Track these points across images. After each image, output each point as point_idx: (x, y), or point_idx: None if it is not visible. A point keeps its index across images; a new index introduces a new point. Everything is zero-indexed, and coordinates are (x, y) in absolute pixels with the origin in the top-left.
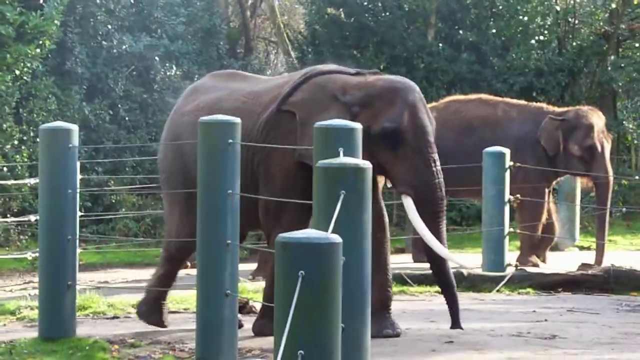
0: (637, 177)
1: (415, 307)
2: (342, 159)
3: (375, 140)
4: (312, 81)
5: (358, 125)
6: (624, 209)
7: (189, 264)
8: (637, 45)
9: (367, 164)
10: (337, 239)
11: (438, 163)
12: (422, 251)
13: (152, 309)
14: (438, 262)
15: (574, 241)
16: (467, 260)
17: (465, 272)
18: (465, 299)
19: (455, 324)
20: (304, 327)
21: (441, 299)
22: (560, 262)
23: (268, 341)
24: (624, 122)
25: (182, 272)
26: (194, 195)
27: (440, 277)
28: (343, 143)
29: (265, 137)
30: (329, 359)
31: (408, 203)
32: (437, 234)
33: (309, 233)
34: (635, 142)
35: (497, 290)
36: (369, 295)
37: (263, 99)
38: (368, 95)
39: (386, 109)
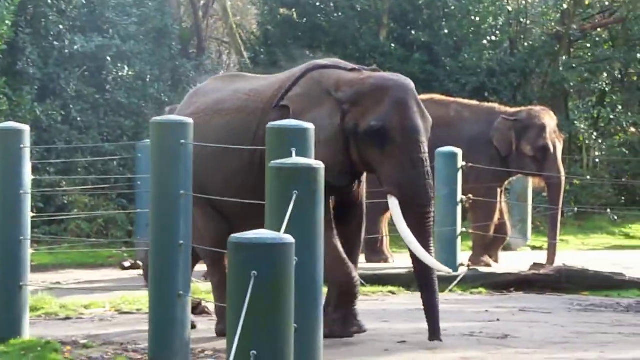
0: (588, 177)
1: (369, 307)
2: (295, 159)
3: (363, 139)
4: (309, 75)
5: (310, 126)
6: (575, 209)
7: (141, 264)
8: (588, 45)
9: (319, 164)
10: (289, 239)
11: (428, 163)
12: (375, 252)
13: None
14: (422, 268)
15: (526, 241)
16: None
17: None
18: (417, 298)
19: (434, 334)
20: (256, 327)
21: (394, 299)
22: (512, 261)
23: (221, 342)
24: (575, 122)
25: (134, 273)
26: (211, 202)
27: (422, 283)
28: (296, 143)
29: None
30: (281, 359)
31: (393, 203)
32: (421, 238)
33: (262, 233)
34: (587, 142)
35: (450, 290)
36: (322, 295)
37: (265, 94)
38: (358, 92)
39: (374, 107)
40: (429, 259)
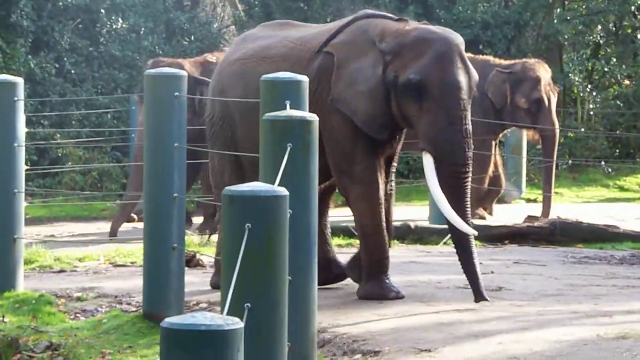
0: (582, 130)
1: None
2: (289, 112)
3: (402, 92)
4: (355, 24)
5: (304, 78)
6: (570, 162)
7: (135, 217)
8: None
9: (314, 117)
10: (283, 191)
11: (468, 121)
12: None
13: None
14: (457, 233)
15: (520, 193)
16: (415, 213)
17: (412, 224)
18: (411, 251)
19: (479, 295)
20: (250, 280)
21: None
22: (506, 214)
23: (215, 294)
24: (570, 74)
25: (128, 226)
26: (244, 158)
27: (458, 244)
28: (290, 96)
29: (317, 86)
30: (275, 312)
31: (427, 160)
32: (455, 198)
33: (255, 186)
34: (581, 94)
35: (444, 243)
36: (316, 247)
37: (311, 43)
38: (400, 44)
39: (414, 60)
40: (456, 219)
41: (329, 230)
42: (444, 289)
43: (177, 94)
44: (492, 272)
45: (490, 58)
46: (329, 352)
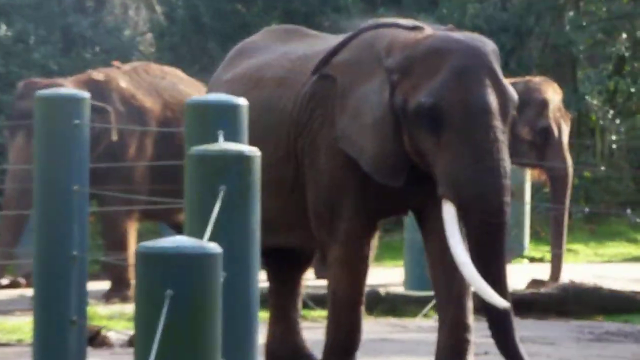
0: (603, 168)
1: (319, 337)
2: (223, 145)
3: (414, 121)
4: (362, 37)
5: (243, 102)
6: (586, 209)
7: (23, 281)
8: None
9: (254, 151)
10: (215, 248)
11: (502, 155)
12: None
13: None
14: (493, 309)
15: (522, 250)
16: (387, 276)
17: (383, 291)
18: (383, 326)
19: None
20: None
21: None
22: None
23: None
24: (586, 96)
25: (14, 293)
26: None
27: (494, 326)
28: (224, 124)
29: (310, 116)
30: None
31: (447, 211)
32: (485, 262)
33: (179, 241)
34: (601, 122)
35: (424, 315)
36: (257, 319)
37: (312, 63)
38: (409, 58)
39: (427, 78)
40: (485, 289)
41: (299, 313)
42: None
43: (77, 121)
44: (486, 353)
45: None
46: None
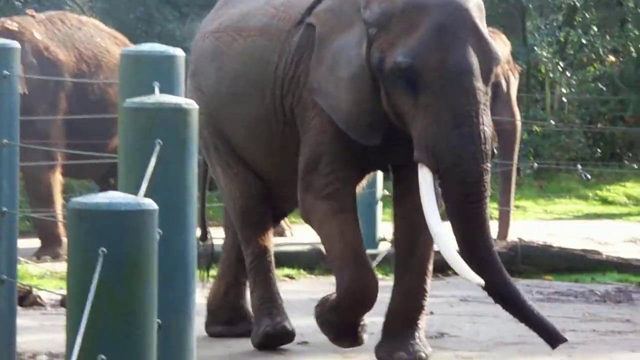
0: (552, 123)
1: None
2: (158, 97)
3: (390, 81)
4: None
5: (179, 52)
6: (535, 165)
7: None
8: None
9: (192, 104)
10: (150, 205)
11: (483, 120)
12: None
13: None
14: (492, 280)
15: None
16: None
17: (324, 250)
18: (323, 285)
19: (554, 339)
20: (106, 324)
21: (292, 286)
22: (451, 235)
23: (58, 343)
24: (535, 48)
25: None
26: (235, 154)
27: (502, 293)
28: (160, 75)
29: (295, 71)
30: None
31: (423, 178)
32: (465, 233)
33: (113, 197)
34: (551, 75)
35: None
36: (194, 278)
37: (296, 9)
38: (387, 12)
39: (405, 36)
40: (460, 265)
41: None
42: (368, 334)
43: (6, 72)
44: (432, 313)
45: None
46: None
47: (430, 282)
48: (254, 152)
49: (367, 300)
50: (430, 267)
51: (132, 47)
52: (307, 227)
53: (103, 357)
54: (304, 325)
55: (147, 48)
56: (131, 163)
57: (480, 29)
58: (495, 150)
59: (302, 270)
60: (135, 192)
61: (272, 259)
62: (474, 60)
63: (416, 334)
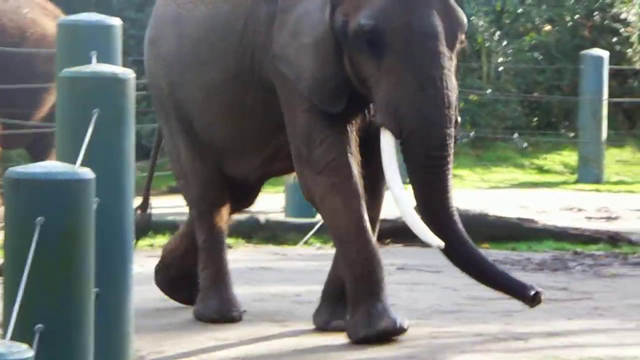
0: (489, 92)
1: None
2: (95, 67)
3: (354, 44)
4: None
5: (115, 21)
6: (471, 134)
7: None
8: None
9: (128, 73)
10: (87, 174)
11: (448, 85)
12: None
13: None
14: (454, 236)
15: (406, 178)
16: (266, 203)
17: (262, 218)
18: (262, 254)
19: (530, 299)
20: (43, 293)
21: (231, 255)
22: (388, 204)
23: None
24: (471, 17)
25: None
26: (197, 125)
27: (465, 264)
28: (96, 45)
29: (267, 38)
30: (76, 335)
31: (385, 142)
32: (428, 198)
33: (50, 166)
34: (487, 44)
35: (305, 243)
36: (132, 247)
37: None
38: None
39: None
40: (420, 227)
41: None
42: (305, 303)
43: None
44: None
45: None
46: None
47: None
48: (211, 121)
49: (378, 268)
50: (375, 233)
51: (69, 17)
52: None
53: (40, 326)
54: (241, 294)
55: (84, 17)
56: (68, 132)
57: None
58: (459, 117)
59: (240, 239)
60: (73, 161)
61: (225, 239)
62: (439, 24)
63: None
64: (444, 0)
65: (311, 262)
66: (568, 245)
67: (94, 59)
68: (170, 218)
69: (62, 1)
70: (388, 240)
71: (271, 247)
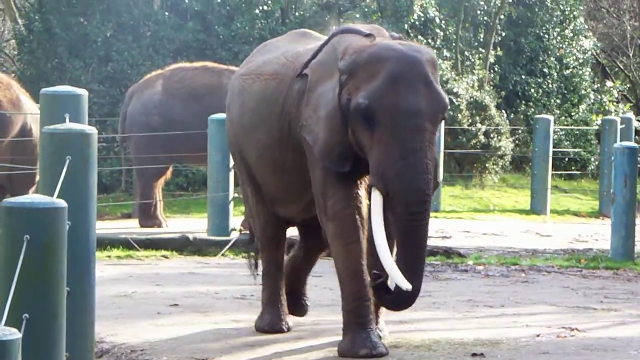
0: None
1: (142, 271)
2: (68, 125)
3: (354, 118)
4: (331, 41)
5: (83, 92)
6: None
7: None
8: (357, 16)
9: (92, 130)
10: (62, 203)
11: (428, 154)
12: (149, 217)
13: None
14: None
15: None
16: (194, 225)
17: (190, 236)
18: (190, 262)
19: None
20: (29, 291)
21: (167, 263)
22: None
23: None
24: None
25: None
26: (257, 176)
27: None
28: (69, 109)
29: (297, 109)
30: (54, 322)
31: (374, 198)
32: (405, 248)
33: (34, 198)
34: None
35: (222, 254)
36: (94, 257)
37: (300, 61)
38: (354, 62)
39: (366, 82)
40: (394, 271)
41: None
42: (222, 299)
43: None
44: None
45: None
46: None
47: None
48: (264, 174)
49: (366, 306)
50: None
51: (50, 89)
52: (180, 219)
53: (27, 315)
54: (173, 291)
55: (60, 89)
56: (48, 173)
57: (430, 80)
58: (438, 182)
59: (174, 252)
60: (51, 194)
61: (282, 268)
62: (422, 104)
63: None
64: (427, 85)
65: (226, 269)
66: None
67: (67, 119)
68: (122, 236)
69: (44, 77)
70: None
71: (197, 258)
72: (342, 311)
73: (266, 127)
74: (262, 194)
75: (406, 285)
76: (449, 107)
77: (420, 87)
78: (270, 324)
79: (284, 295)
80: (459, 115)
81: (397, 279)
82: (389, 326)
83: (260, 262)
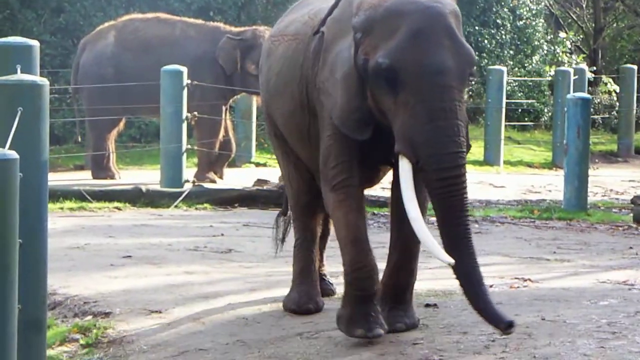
0: None
1: (95, 223)
2: (20, 76)
3: (373, 80)
4: None
5: (35, 43)
6: None
7: None
8: None
9: (44, 81)
10: (14, 155)
11: (457, 115)
12: (101, 168)
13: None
14: (459, 260)
15: (250, 158)
16: (147, 177)
17: (143, 188)
18: (143, 214)
19: (499, 327)
20: None
21: (120, 215)
22: (237, 178)
23: None
24: None
25: None
26: (289, 142)
27: (462, 277)
28: (21, 60)
29: (313, 71)
30: (6, 274)
31: (403, 167)
32: (445, 216)
33: None
34: None
35: (175, 206)
36: (47, 209)
37: (319, 18)
38: (370, 18)
39: (385, 39)
40: (434, 247)
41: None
42: (175, 251)
43: None
44: (222, 235)
45: (220, 25)
46: (60, 314)
47: (417, 262)
48: (292, 141)
49: (367, 276)
50: (417, 249)
51: (1, 40)
52: (133, 171)
53: None
54: (126, 243)
55: (12, 40)
56: (0, 125)
57: (455, 33)
58: (470, 144)
59: (127, 204)
60: (2, 146)
61: (317, 239)
62: (448, 61)
63: (404, 306)
64: (452, 39)
65: (180, 221)
66: (369, 208)
67: (19, 70)
68: (75, 188)
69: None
70: (236, 205)
71: (150, 209)
72: (344, 282)
73: (289, 92)
74: (294, 159)
75: (448, 259)
76: (476, 62)
77: (445, 42)
78: (298, 304)
79: (316, 270)
80: None
81: (437, 253)
82: (333, 279)
83: (286, 235)
